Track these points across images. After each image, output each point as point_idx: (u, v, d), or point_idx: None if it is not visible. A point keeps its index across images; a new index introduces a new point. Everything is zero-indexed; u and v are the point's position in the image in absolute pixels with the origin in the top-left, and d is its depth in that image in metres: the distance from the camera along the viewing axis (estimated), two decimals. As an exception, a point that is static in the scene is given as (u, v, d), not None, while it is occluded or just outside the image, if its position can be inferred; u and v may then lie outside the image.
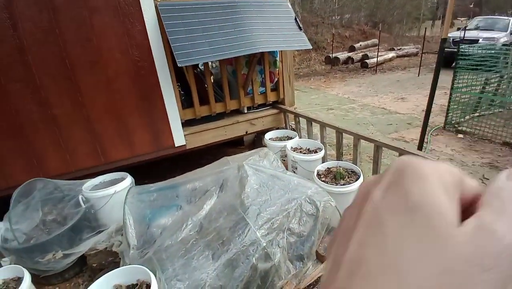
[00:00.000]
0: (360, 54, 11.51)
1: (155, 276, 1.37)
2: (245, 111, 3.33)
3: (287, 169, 2.66)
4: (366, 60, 10.72)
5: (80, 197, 2.19)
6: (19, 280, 1.72)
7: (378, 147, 2.28)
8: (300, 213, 1.84)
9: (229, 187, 1.95)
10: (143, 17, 2.43)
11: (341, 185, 2.17)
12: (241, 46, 2.52)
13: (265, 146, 3.02)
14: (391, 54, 11.69)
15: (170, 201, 2.06)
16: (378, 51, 10.60)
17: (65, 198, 2.23)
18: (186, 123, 2.96)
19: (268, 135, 3.08)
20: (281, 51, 3.34)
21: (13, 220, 2.03)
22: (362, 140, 2.50)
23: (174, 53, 2.21)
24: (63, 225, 2.06)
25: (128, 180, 2.42)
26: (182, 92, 3.17)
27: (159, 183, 2.23)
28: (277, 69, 3.41)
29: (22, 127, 2.26)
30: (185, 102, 3.06)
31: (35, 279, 1.87)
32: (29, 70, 2.16)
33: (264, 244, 1.56)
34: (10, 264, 1.92)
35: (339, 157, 2.83)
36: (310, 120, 3.06)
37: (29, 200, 2.13)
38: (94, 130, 2.48)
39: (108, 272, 1.51)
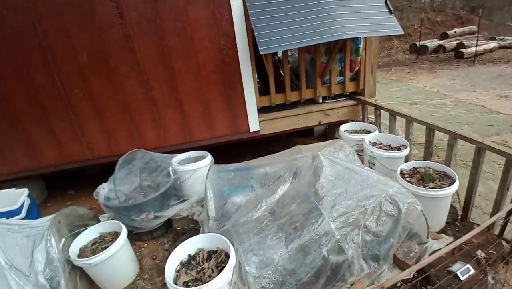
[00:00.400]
0: (455, 42, 9.92)
1: (233, 246, 1.50)
2: (320, 101, 3.25)
3: (362, 164, 2.53)
4: (462, 50, 9.18)
5: (170, 169, 2.51)
6: (115, 234, 2.03)
7: (481, 149, 1.97)
8: (378, 211, 1.74)
9: (302, 175, 1.97)
10: (230, 7, 2.56)
11: (430, 188, 1.96)
12: (324, 33, 2.43)
13: (338, 138, 2.92)
14: (492, 44, 9.70)
15: (245, 181, 2.18)
16: (477, 40, 8.96)
17: (158, 168, 2.58)
18: (261, 110, 3.06)
19: (343, 128, 2.96)
20: (366, 37, 3.11)
21: (117, 182, 2.44)
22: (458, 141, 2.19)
23: (257, 41, 2.28)
24: (156, 191, 2.39)
25: (208, 158, 2.65)
26: (258, 80, 3.27)
27: (236, 164, 2.38)
28: (359, 57, 3.20)
29: (128, 105, 2.67)
30: (261, 89, 3.15)
31: (128, 235, 2.22)
32: (134, 56, 2.51)
33: (338, 237, 1.55)
34: (108, 220, 2.30)
35: (427, 157, 2.55)
36: (394, 114, 2.82)
37: (130, 167, 2.52)
38: (184, 112, 2.77)
39: (191, 236, 1.71)
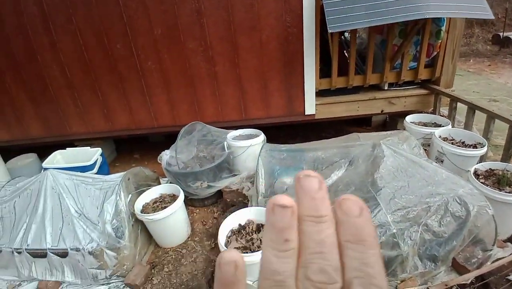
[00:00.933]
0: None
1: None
2: (386, 87, 3.00)
3: (427, 160, 2.31)
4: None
5: (225, 143, 2.61)
6: (174, 196, 2.21)
7: None
8: (443, 211, 1.60)
9: (360, 163, 1.87)
10: (300, -20, 2.46)
11: (507, 192, 1.72)
12: (403, 11, 2.19)
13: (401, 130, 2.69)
14: None
15: (297, 163, 2.17)
16: None
17: (214, 141, 2.71)
18: (319, 93, 2.95)
19: (409, 118, 2.71)
20: (450, 19, 2.73)
21: (177, 151, 2.63)
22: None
23: (326, 18, 2.16)
24: (211, 162, 2.52)
25: (261, 137, 2.68)
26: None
27: (289, 145, 2.37)
28: (439, 41, 2.83)
29: (192, 79, 2.81)
30: (321, 71, 3.02)
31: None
32: (203, 31, 2.59)
33: (394, 231, 1.46)
34: (167, 183, 2.50)
35: (506, 158, 2.22)
36: (473, 108, 2.48)
37: (190, 138, 2.69)
38: (242, 89, 2.82)
39: (240, 208, 1.78)
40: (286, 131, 3.88)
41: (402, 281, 1.59)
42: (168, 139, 3.94)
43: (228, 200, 2.45)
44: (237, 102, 2.91)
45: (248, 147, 2.57)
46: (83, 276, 1.95)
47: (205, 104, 2.91)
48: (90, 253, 1.85)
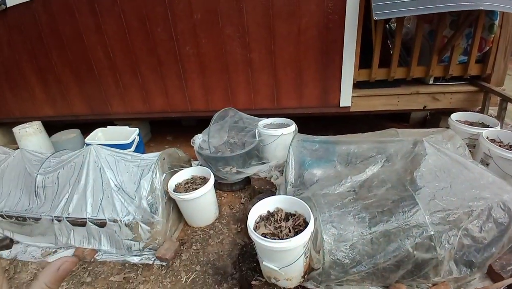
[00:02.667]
0: None
1: (312, 214, 1.51)
2: (430, 82, 2.81)
3: (471, 162, 2.15)
4: None
5: (256, 130, 2.61)
6: (204, 179, 2.28)
7: None
8: (486, 217, 1.50)
9: (398, 159, 1.79)
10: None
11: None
12: (457, 0, 2.02)
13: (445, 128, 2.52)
14: None
15: (329, 155, 2.12)
16: None
17: (245, 128, 2.72)
18: (356, 85, 2.84)
19: (455, 116, 2.53)
20: (503, 13, 2.49)
21: (210, 135, 2.69)
22: None
23: (372, 4, 2.05)
24: (242, 148, 2.55)
25: (293, 126, 2.65)
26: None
27: (322, 136, 2.32)
28: (492, 36, 2.59)
29: (227, 65, 2.82)
30: (360, 62, 2.88)
31: (213, 183, 2.45)
32: (241, 16, 2.57)
33: (432, 233, 1.39)
34: (198, 166, 2.58)
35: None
36: (529, 109, 2.26)
37: (222, 123, 2.72)
38: (276, 77, 2.79)
39: (267, 196, 1.78)
40: (316, 122, 3.80)
41: (434, 285, 1.53)
42: (199, 123, 4.04)
43: (256, 187, 2.47)
44: (270, 90, 2.88)
45: (279, 136, 2.56)
46: (118, 246, 2.09)
47: (238, 90, 2.92)
48: (126, 225, 1.97)
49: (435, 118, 3.19)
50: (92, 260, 2.08)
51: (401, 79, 2.80)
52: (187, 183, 2.27)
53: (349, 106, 2.88)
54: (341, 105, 2.87)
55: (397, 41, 2.55)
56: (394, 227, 1.42)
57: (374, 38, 2.58)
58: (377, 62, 2.66)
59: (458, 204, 1.48)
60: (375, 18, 2.00)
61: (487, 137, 2.22)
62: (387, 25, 3.10)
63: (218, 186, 2.64)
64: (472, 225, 1.48)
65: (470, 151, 2.30)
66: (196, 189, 2.10)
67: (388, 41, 3.12)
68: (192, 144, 2.64)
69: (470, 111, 2.81)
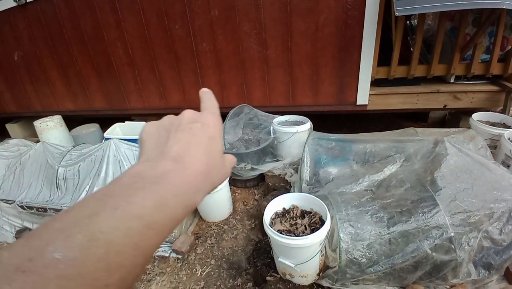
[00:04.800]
0: None
1: (328, 212, 1.51)
2: (451, 80, 2.73)
3: (493, 163, 2.09)
4: None
5: (271, 128, 2.62)
6: (219, 174, 2.33)
7: None
8: (506, 219, 1.47)
9: (418, 159, 1.76)
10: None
11: None
12: (481, -4, 1.96)
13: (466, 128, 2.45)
14: None
15: (346, 154, 2.11)
16: None
17: (260, 125, 2.73)
18: (374, 83, 2.79)
19: (476, 116, 2.46)
20: None
21: (225, 131, 2.71)
22: None
23: (393, 0, 2.00)
24: (256, 145, 2.56)
25: (308, 124, 2.64)
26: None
27: (338, 134, 2.31)
28: (515, 34, 2.51)
29: (243, 62, 2.82)
30: (378, 59, 2.83)
31: (228, 179, 2.47)
32: (259, 12, 2.57)
33: (452, 234, 1.37)
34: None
35: None
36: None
37: (237, 120, 2.74)
38: (292, 74, 2.77)
39: (281, 193, 1.79)
40: (331, 121, 3.77)
41: (452, 287, 1.51)
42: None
43: (270, 184, 2.48)
44: (286, 87, 2.88)
45: (294, 134, 2.55)
46: (136, 238, 2.15)
47: (253, 87, 2.93)
48: (144, 218, 2.02)
49: (455, 118, 3.11)
50: (111, 250, 2.14)
51: (420, 77, 2.73)
52: (202, 178, 2.30)
53: (366, 105, 2.83)
54: (357, 103, 2.83)
55: (418, 38, 2.49)
56: (413, 227, 1.40)
57: (394, 35, 2.53)
58: (396, 59, 2.60)
59: (479, 205, 1.46)
60: (396, 14, 1.95)
61: (509, 139, 2.16)
62: (407, 22, 3.03)
63: (232, 182, 2.67)
64: (492, 227, 1.46)
65: (491, 152, 2.24)
66: (211, 184, 2.13)
67: (409, 38, 3.05)
68: (207, 140, 2.67)
69: (492, 111, 2.72)
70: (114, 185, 0.27)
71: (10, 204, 2.31)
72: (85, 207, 0.24)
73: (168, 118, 0.38)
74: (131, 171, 0.29)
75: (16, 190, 2.37)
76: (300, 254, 1.43)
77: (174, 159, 0.30)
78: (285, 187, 2.40)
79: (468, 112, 2.65)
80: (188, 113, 0.37)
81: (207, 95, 0.42)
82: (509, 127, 2.38)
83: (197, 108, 0.40)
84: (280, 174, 2.53)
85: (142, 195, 0.25)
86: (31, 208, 2.29)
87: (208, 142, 0.34)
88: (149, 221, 0.25)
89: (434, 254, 1.40)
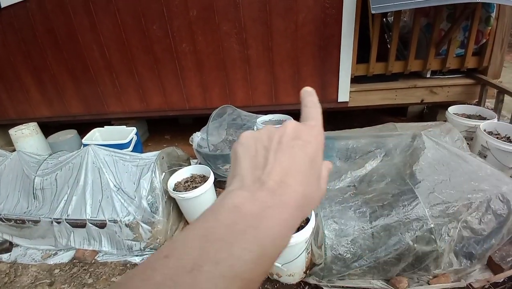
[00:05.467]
0: None
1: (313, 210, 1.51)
2: (428, 75, 2.81)
3: (469, 154, 2.17)
4: None
5: (254, 127, 2.61)
6: (204, 177, 2.27)
7: None
8: (485, 208, 1.52)
9: (397, 153, 1.80)
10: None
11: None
12: (454, -8, 2.02)
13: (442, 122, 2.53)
14: None
15: (329, 150, 2.13)
16: None
17: (244, 126, 2.72)
18: (354, 80, 2.83)
19: (452, 109, 2.54)
20: (499, 5, 2.50)
21: (209, 133, 2.68)
22: None
23: (369, -2, 2.04)
24: (240, 146, 2.54)
25: (292, 123, 2.65)
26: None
27: (320, 132, 2.32)
28: (489, 28, 2.60)
29: (224, 62, 2.80)
30: (358, 56, 2.88)
31: (213, 181, 2.44)
32: (238, 12, 2.55)
33: (432, 226, 1.40)
34: (196, 164, 2.58)
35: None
36: (527, 101, 2.27)
37: (220, 121, 2.72)
38: (274, 74, 2.77)
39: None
40: (315, 118, 3.80)
41: (434, 277, 1.54)
42: (196, 121, 4.02)
43: (256, 184, 2.47)
44: (268, 87, 2.87)
45: (278, 132, 2.55)
46: (119, 247, 2.08)
47: (236, 88, 2.91)
48: (126, 225, 1.96)
49: (432, 112, 3.20)
50: (93, 261, 2.07)
51: (398, 73, 2.80)
52: (186, 181, 2.26)
53: (347, 102, 2.87)
54: (339, 100, 2.86)
55: (395, 34, 2.55)
56: (395, 220, 1.43)
57: (372, 32, 2.57)
58: (374, 56, 2.65)
59: (457, 196, 1.50)
60: (373, 12, 1.99)
61: (485, 130, 2.24)
62: (384, 19, 3.10)
63: (217, 184, 2.63)
64: (471, 217, 1.50)
65: (467, 144, 2.32)
66: (196, 187, 2.09)
67: (386, 35, 3.12)
68: (190, 142, 2.63)
69: (467, 104, 2.82)
70: (214, 221, 0.25)
71: (-15, 217, 2.20)
72: (187, 253, 0.23)
73: (267, 131, 0.33)
74: (229, 203, 0.27)
75: (-9, 202, 2.26)
76: (286, 253, 1.43)
77: (272, 191, 0.27)
78: (271, 187, 2.40)
79: (444, 105, 2.73)
80: (290, 127, 0.33)
81: (309, 98, 0.37)
82: (484, 119, 2.47)
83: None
84: (265, 174, 2.53)
85: (243, 245, 0.24)
86: (9, 220, 2.19)
87: (309, 168, 0.30)
88: (248, 279, 0.24)
89: (415, 245, 1.43)
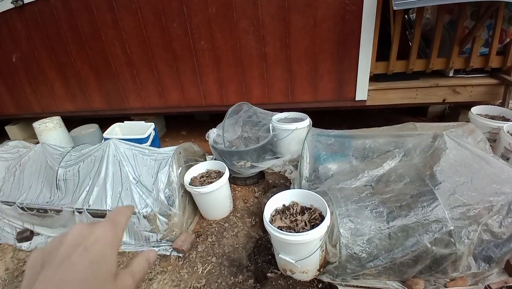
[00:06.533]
0: None
1: (328, 208, 1.51)
2: (450, 74, 2.73)
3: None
4: None
5: (270, 125, 2.62)
6: (219, 173, 2.32)
7: None
8: (506, 212, 1.47)
9: (416, 154, 1.76)
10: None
11: None
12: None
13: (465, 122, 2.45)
14: None
15: (345, 149, 2.10)
16: None
17: (259, 123, 2.73)
18: (373, 78, 2.78)
19: (475, 110, 2.45)
20: None
21: (224, 129, 2.70)
22: None
23: (391, -5, 1.99)
24: (256, 143, 2.56)
25: (307, 121, 2.64)
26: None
27: (337, 130, 2.30)
28: (513, 27, 2.50)
29: (242, 60, 2.82)
30: (377, 54, 2.82)
31: (227, 176, 2.47)
32: (256, 9, 2.56)
33: (451, 228, 1.37)
34: (212, 160, 2.62)
35: None
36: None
37: (236, 118, 2.74)
38: (291, 71, 2.77)
39: (281, 190, 1.79)
40: (331, 117, 3.77)
41: (452, 280, 1.51)
42: (212, 118, 4.07)
43: (270, 181, 2.48)
44: (284, 84, 2.87)
45: (293, 130, 2.55)
46: (136, 237, 2.15)
47: (252, 85, 2.92)
48: (144, 217, 2.02)
49: (454, 112, 3.10)
50: (112, 250, 2.14)
51: (419, 71, 2.73)
52: (202, 176, 2.30)
53: (365, 100, 2.83)
54: (357, 98, 2.82)
55: (417, 32, 2.48)
56: (413, 221, 1.40)
57: (393, 29, 2.52)
58: (395, 54, 2.60)
59: (479, 198, 1.45)
60: (395, 8, 1.94)
61: (508, 132, 2.16)
62: (406, 16, 3.02)
63: (232, 179, 2.67)
64: (492, 220, 1.46)
65: (490, 145, 2.24)
66: (211, 182, 2.13)
67: (407, 32, 3.04)
68: (206, 138, 2.67)
69: (491, 104, 2.72)
70: None
71: (10, 205, 2.32)
72: None
73: (55, 242, 0.31)
74: None
75: (16, 192, 2.38)
76: (301, 250, 1.44)
77: None
78: (285, 184, 2.40)
79: (467, 106, 2.65)
80: (73, 233, 0.31)
81: (117, 209, 0.38)
82: (508, 120, 2.38)
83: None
84: (280, 171, 2.53)
85: None
86: (31, 209, 2.30)
87: (87, 274, 0.28)
88: None
89: (433, 248, 1.40)
